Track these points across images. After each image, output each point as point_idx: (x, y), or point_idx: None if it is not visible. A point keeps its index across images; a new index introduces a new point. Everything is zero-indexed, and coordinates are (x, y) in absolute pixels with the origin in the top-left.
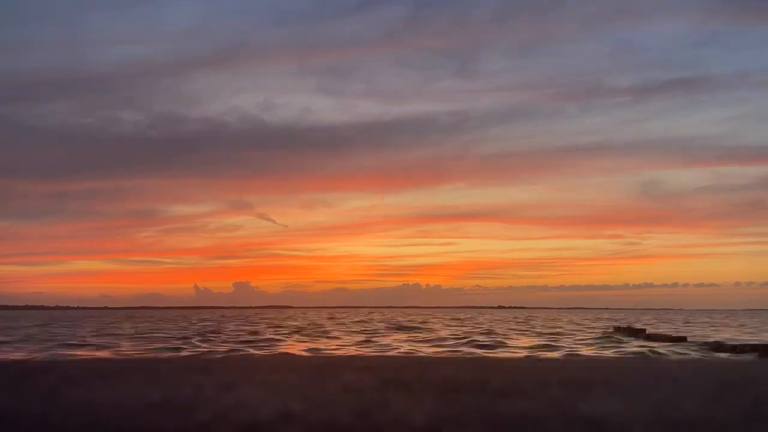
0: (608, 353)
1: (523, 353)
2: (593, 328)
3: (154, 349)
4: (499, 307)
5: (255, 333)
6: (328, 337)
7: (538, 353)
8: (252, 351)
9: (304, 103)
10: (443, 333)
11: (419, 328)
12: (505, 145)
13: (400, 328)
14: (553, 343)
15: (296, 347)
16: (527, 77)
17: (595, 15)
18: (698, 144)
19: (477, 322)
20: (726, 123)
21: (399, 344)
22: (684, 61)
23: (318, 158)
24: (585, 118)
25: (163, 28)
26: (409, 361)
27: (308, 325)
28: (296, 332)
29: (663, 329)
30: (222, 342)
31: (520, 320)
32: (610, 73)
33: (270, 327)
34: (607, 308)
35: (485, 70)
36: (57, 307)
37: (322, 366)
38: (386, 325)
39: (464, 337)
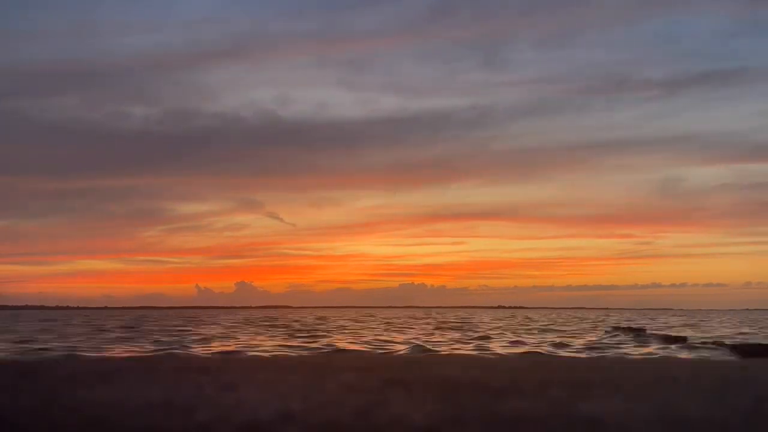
0: (608, 353)
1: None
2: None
3: None
4: (499, 307)
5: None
6: None
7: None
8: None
9: (321, 97)
10: None
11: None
12: (524, 142)
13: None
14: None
15: None
16: (554, 69)
17: (627, 4)
18: (726, 140)
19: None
20: (759, 117)
21: None
22: (720, 53)
23: (331, 155)
24: (613, 113)
25: (176, 18)
26: (409, 361)
27: None
28: None
29: (664, 329)
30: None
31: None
32: (642, 66)
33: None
34: (608, 308)
35: (510, 62)
36: (57, 307)
37: (322, 366)
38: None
39: None
